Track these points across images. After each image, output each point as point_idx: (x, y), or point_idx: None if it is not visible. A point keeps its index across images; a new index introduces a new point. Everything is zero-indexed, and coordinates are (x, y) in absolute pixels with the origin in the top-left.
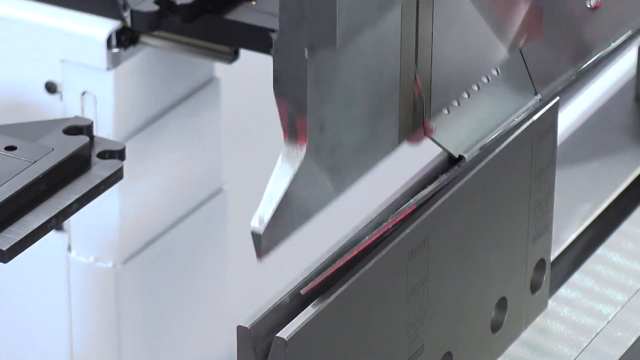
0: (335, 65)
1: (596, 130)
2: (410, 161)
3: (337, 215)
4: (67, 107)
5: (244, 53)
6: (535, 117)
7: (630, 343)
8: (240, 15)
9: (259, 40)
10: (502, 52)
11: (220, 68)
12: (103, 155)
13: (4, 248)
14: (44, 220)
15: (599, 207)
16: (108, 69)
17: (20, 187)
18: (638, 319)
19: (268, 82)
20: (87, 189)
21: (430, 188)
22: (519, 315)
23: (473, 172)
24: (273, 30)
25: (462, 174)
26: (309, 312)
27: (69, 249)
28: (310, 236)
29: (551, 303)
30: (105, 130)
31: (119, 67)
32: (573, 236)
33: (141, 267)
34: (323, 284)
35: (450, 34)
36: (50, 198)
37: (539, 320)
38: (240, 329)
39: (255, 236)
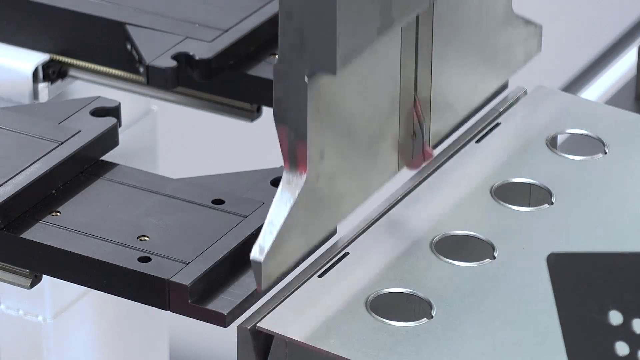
0: (335, 91)
1: None
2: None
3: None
4: None
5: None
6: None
7: None
8: (262, 70)
9: None
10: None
11: (156, 101)
12: None
13: (225, 312)
14: None
15: None
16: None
17: (234, 245)
18: None
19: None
20: None
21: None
22: None
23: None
24: None
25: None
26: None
27: None
28: None
29: None
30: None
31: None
32: None
33: (71, 322)
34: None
35: (450, 57)
36: None
37: None
38: (240, 329)
39: (256, 265)
